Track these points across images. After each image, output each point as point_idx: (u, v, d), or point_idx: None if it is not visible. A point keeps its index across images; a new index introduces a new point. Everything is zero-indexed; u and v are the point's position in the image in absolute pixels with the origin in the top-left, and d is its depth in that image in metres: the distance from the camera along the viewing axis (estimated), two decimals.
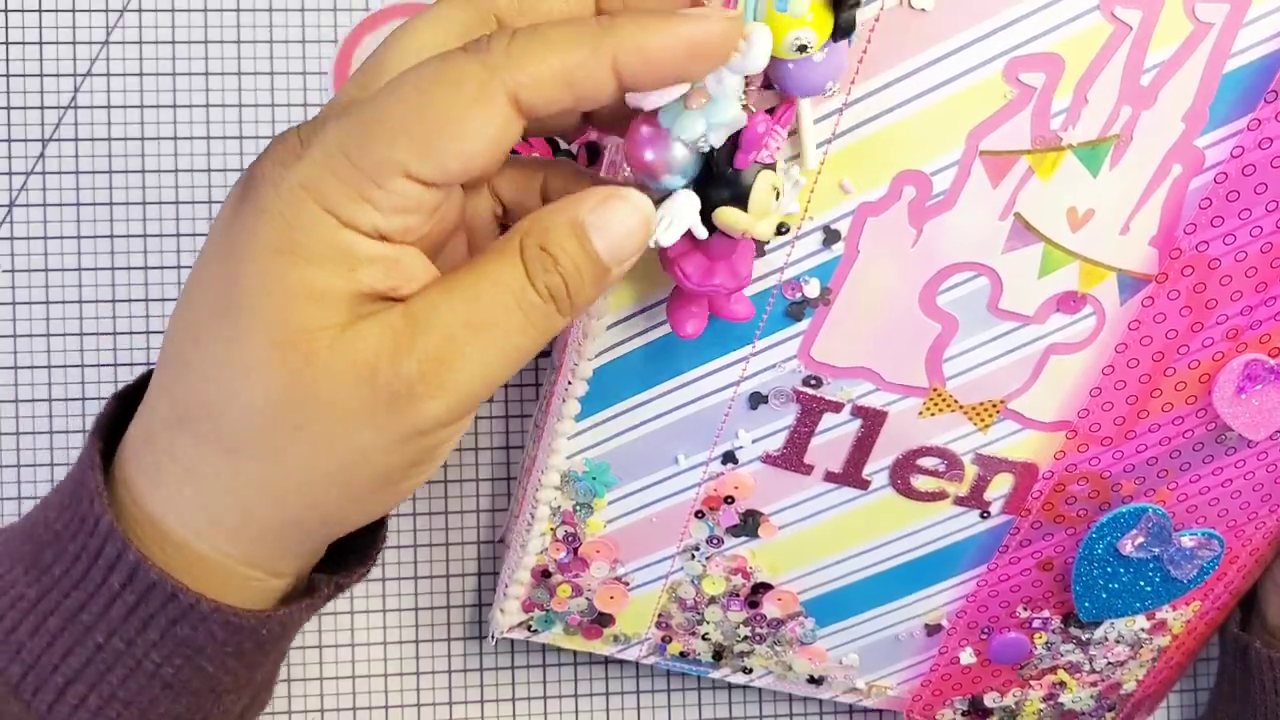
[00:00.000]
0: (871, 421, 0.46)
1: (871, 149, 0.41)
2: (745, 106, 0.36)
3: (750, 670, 0.53)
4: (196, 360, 0.35)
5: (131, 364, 0.53)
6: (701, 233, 0.36)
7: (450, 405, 0.34)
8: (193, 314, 0.35)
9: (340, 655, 0.55)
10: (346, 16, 0.53)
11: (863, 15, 0.39)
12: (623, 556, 0.49)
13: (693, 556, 0.49)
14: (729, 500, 0.48)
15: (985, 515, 0.48)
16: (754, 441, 0.46)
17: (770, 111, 0.37)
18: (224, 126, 0.53)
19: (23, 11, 0.52)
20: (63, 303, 0.53)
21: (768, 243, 0.42)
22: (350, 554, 0.42)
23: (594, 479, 0.47)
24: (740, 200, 0.36)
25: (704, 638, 0.51)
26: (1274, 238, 0.43)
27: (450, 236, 0.38)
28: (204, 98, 0.53)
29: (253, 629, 0.38)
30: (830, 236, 0.42)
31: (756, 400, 0.45)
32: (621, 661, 0.56)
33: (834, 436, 0.46)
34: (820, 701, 0.58)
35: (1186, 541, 0.49)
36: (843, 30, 0.35)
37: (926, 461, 0.47)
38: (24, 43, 0.52)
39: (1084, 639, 0.52)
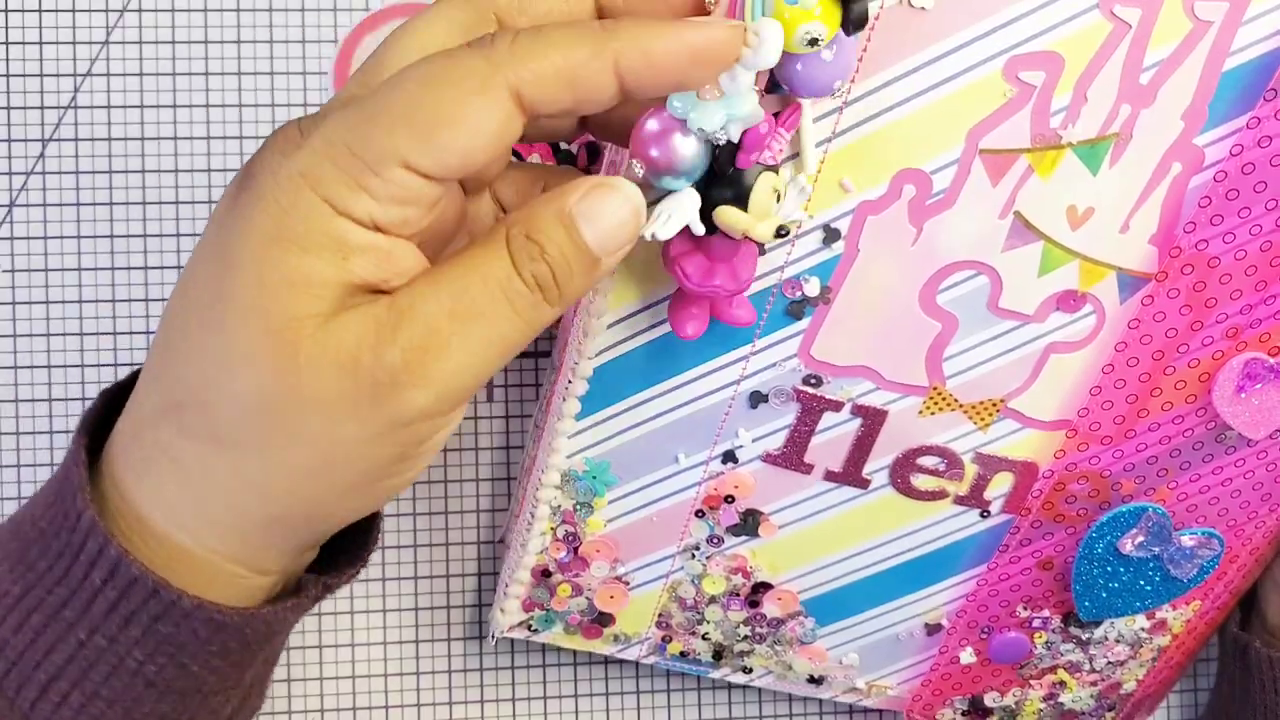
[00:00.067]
0: (871, 420, 0.46)
1: (871, 148, 0.41)
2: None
3: (750, 670, 0.53)
4: (186, 350, 0.35)
5: (132, 364, 0.53)
6: (699, 230, 0.36)
7: (435, 396, 0.34)
8: (185, 304, 0.35)
9: (340, 655, 0.55)
10: (346, 16, 0.53)
11: None
12: (623, 556, 0.49)
13: (693, 556, 0.49)
14: (729, 499, 0.48)
15: (985, 514, 0.48)
16: (754, 440, 0.46)
17: (776, 115, 0.37)
18: (224, 126, 0.53)
19: (23, 11, 0.52)
20: (63, 303, 0.53)
21: (785, 238, 0.42)
22: (342, 555, 0.42)
23: (594, 478, 0.47)
24: (742, 200, 0.36)
25: (704, 637, 0.51)
26: (1273, 236, 0.43)
27: (448, 238, 0.38)
28: (204, 98, 0.53)
29: (236, 627, 0.37)
30: (830, 235, 0.42)
31: (757, 399, 0.45)
32: (621, 661, 0.56)
33: (834, 435, 0.46)
34: (820, 701, 0.58)
35: (1186, 541, 0.49)
36: (855, 23, 0.35)
37: (926, 460, 0.47)
38: (24, 43, 0.52)
39: (1084, 638, 0.52)
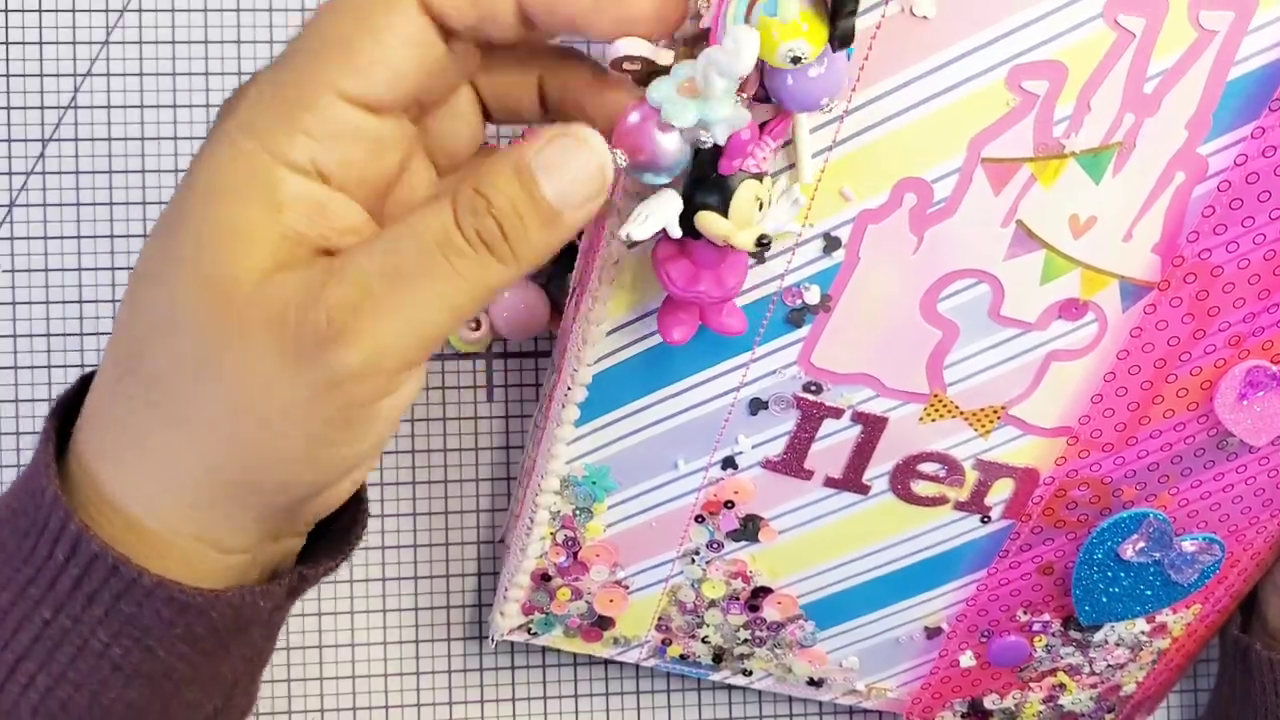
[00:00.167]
0: (872, 427, 0.46)
1: (872, 156, 0.41)
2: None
3: (750, 672, 0.53)
4: (133, 315, 0.35)
5: None
6: (675, 233, 0.36)
7: (366, 356, 0.33)
8: (135, 273, 0.35)
9: (340, 655, 0.55)
10: None
11: (864, 23, 0.39)
12: (622, 560, 0.49)
13: (693, 560, 0.49)
14: (729, 505, 0.48)
15: (986, 520, 0.48)
16: (754, 447, 0.46)
17: (763, 125, 0.37)
18: None
19: (23, 11, 0.52)
20: (63, 303, 0.53)
21: (767, 249, 0.42)
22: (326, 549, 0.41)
23: (594, 484, 0.47)
24: (726, 207, 0.36)
25: (704, 640, 0.52)
26: (1277, 245, 0.43)
27: (398, 178, 0.37)
28: (204, 98, 0.53)
29: (200, 609, 0.36)
30: (831, 243, 0.42)
31: (756, 406, 0.45)
32: (621, 662, 0.56)
33: (834, 442, 0.46)
34: (820, 703, 0.58)
35: (1187, 546, 0.49)
36: (840, 40, 0.35)
37: (927, 467, 0.47)
38: (24, 43, 0.52)
39: (1084, 642, 0.52)
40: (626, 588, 0.50)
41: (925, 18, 0.39)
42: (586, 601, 0.50)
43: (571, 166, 0.33)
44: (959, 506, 0.48)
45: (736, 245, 0.36)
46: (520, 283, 0.53)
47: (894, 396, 0.45)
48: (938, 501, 0.48)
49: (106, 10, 0.52)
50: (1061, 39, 0.39)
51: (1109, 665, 0.53)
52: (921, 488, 0.47)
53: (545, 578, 0.49)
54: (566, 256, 0.53)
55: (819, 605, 0.50)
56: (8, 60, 0.52)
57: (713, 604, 0.50)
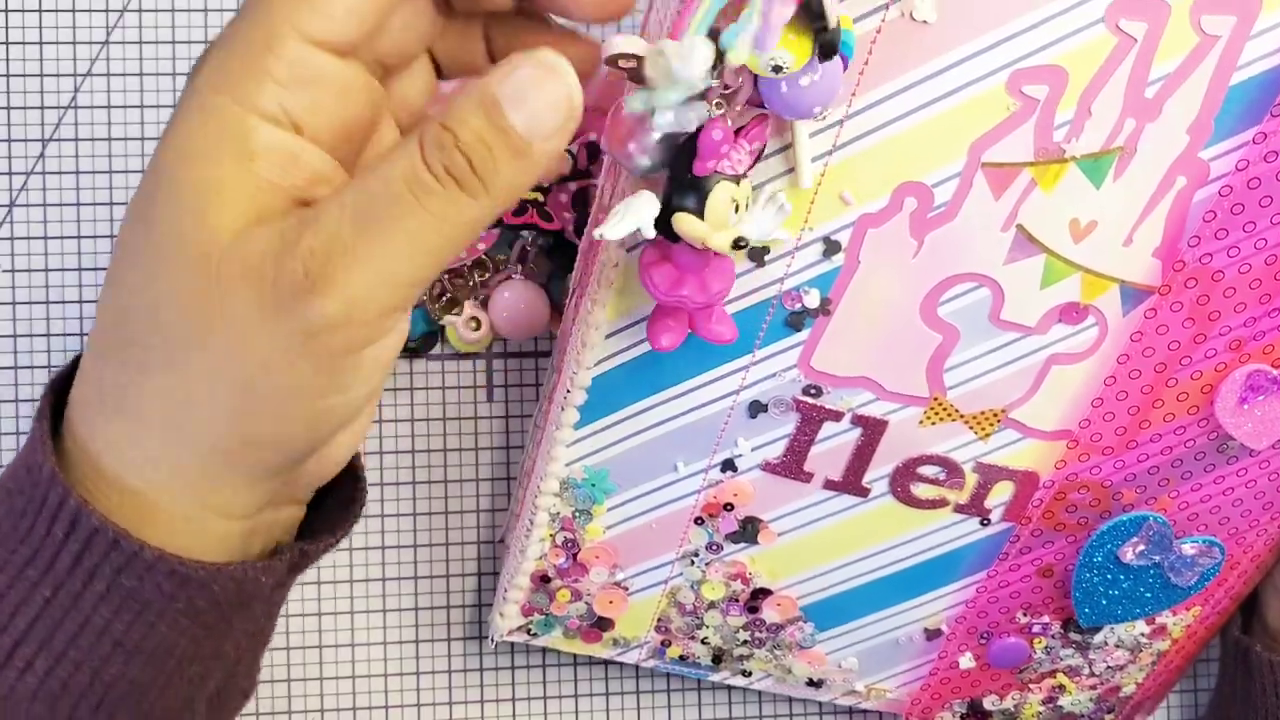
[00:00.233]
0: (872, 430, 0.46)
1: (872, 160, 0.41)
2: (725, 112, 0.36)
3: (749, 673, 0.53)
4: (117, 286, 0.34)
5: None
6: (649, 233, 0.36)
7: (344, 304, 0.32)
8: (119, 239, 0.35)
9: (340, 655, 0.55)
10: None
11: (864, 27, 0.39)
12: (622, 562, 0.49)
13: (692, 562, 0.49)
14: (728, 507, 0.48)
15: (985, 522, 0.48)
16: (753, 449, 0.46)
17: (739, 131, 0.37)
18: None
19: (23, 11, 0.52)
20: (63, 303, 0.53)
21: (766, 253, 0.42)
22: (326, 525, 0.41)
23: (593, 486, 0.47)
24: (704, 209, 0.36)
25: (703, 642, 0.52)
26: (1278, 250, 0.43)
27: (368, 132, 0.37)
28: None
29: (201, 582, 0.36)
30: (830, 247, 0.42)
31: (756, 409, 0.45)
32: (621, 663, 0.56)
33: (834, 445, 0.46)
34: (820, 703, 0.58)
35: (1187, 549, 0.49)
36: (824, 52, 0.35)
37: (927, 469, 0.47)
38: (24, 43, 0.52)
39: (1083, 644, 0.52)
40: (626, 589, 0.50)
41: (926, 22, 0.39)
42: (586, 603, 0.50)
43: (538, 95, 0.32)
44: (959, 509, 0.48)
45: (713, 247, 0.36)
46: (520, 283, 0.53)
47: (894, 400, 0.45)
48: (937, 504, 0.48)
49: (106, 10, 0.52)
50: (1062, 43, 0.39)
51: (1108, 667, 0.53)
52: (921, 490, 0.47)
53: (545, 579, 0.49)
54: (567, 257, 0.53)
55: (818, 607, 0.50)
56: (8, 60, 0.52)
57: (712, 605, 0.50)
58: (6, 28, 0.52)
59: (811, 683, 0.53)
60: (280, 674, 0.54)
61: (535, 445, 0.50)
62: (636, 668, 0.57)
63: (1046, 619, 0.51)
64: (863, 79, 0.39)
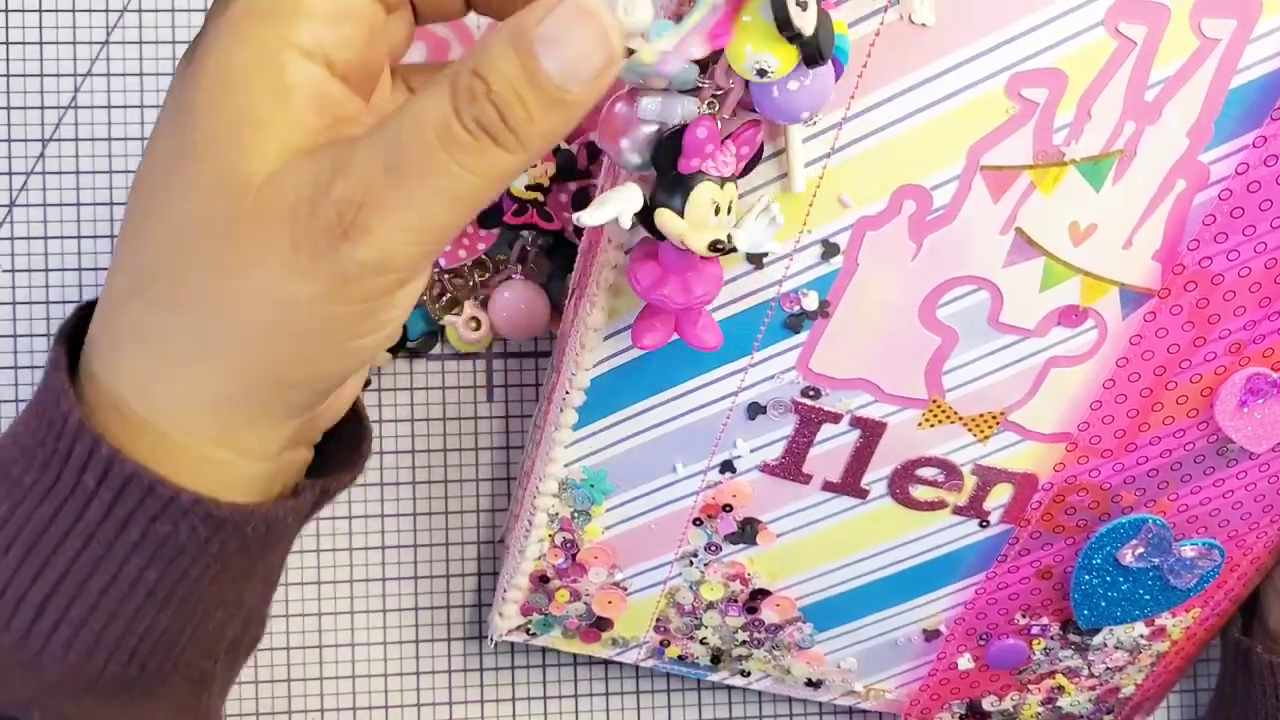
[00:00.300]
0: (870, 432, 0.46)
1: (871, 163, 0.41)
2: (715, 113, 0.36)
3: (748, 673, 0.53)
4: (147, 223, 0.34)
5: None
6: (626, 223, 0.36)
7: (378, 251, 0.32)
8: (144, 181, 0.34)
9: (340, 655, 0.55)
10: None
11: (863, 30, 0.39)
12: (621, 562, 0.49)
13: (691, 563, 0.49)
14: (727, 508, 0.48)
15: (984, 524, 0.48)
16: (752, 451, 0.46)
17: (731, 136, 0.37)
18: None
19: (23, 11, 0.52)
20: (63, 303, 0.53)
21: (764, 255, 0.42)
22: (339, 464, 0.41)
23: (592, 486, 0.47)
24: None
25: (702, 642, 0.52)
26: (1278, 253, 0.43)
27: (379, 73, 0.36)
28: None
29: (236, 524, 0.35)
30: (829, 250, 0.42)
31: (755, 410, 0.45)
32: (621, 663, 0.56)
33: (832, 446, 0.46)
34: (819, 704, 0.58)
35: (1187, 551, 0.49)
36: (807, 60, 0.34)
37: (925, 471, 0.47)
38: (24, 43, 0.52)
39: (1082, 645, 0.52)
40: (625, 589, 0.50)
41: (924, 25, 0.39)
42: (585, 603, 0.50)
43: (574, 39, 0.30)
44: (958, 511, 0.48)
45: (691, 247, 0.36)
46: (520, 283, 0.53)
47: (892, 402, 0.45)
48: (936, 506, 0.48)
49: (106, 10, 0.52)
50: (1062, 46, 0.39)
51: (1107, 668, 0.53)
52: (920, 492, 0.47)
53: (544, 579, 0.49)
54: (567, 257, 0.53)
55: (817, 608, 0.50)
56: (8, 60, 0.52)
57: (711, 606, 0.50)
58: (6, 28, 0.52)
59: (810, 683, 0.53)
60: (280, 674, 0.55)
61: (534, 445, 0.50)
62: (636, 668, 0.57)
63: (1045, 620, 0.51)
64: (861, 82, 0.39)
